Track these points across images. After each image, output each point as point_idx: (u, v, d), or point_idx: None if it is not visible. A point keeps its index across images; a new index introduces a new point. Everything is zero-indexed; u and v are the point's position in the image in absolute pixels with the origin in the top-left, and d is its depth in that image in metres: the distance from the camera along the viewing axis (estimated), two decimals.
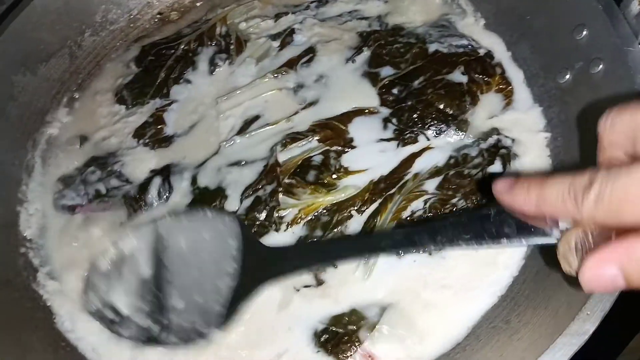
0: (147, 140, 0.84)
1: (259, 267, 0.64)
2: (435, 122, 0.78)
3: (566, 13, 0.75)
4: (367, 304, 0.68)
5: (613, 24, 0.68)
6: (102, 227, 0.77)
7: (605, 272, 0.41)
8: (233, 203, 0.75)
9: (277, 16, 0.92)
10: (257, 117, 0.82)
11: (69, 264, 0.77)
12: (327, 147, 0.78)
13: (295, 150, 0.78)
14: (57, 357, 0.68)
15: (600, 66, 0.69)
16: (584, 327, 0.52)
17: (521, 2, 0.82)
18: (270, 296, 0.69)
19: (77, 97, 0.91)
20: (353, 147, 0.78)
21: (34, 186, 0.84)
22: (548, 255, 0.64)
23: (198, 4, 1.00)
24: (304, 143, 0.78)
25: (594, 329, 0.52)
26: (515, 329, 0.60)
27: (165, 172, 0.79)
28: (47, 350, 0.69)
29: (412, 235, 0.57)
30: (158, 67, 0.89)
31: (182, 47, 0.90)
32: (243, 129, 0.81)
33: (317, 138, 0.79)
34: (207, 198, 0.76)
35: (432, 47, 0.84)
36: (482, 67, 0.81)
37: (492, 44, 0.85)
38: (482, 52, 0.84)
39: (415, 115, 0.78)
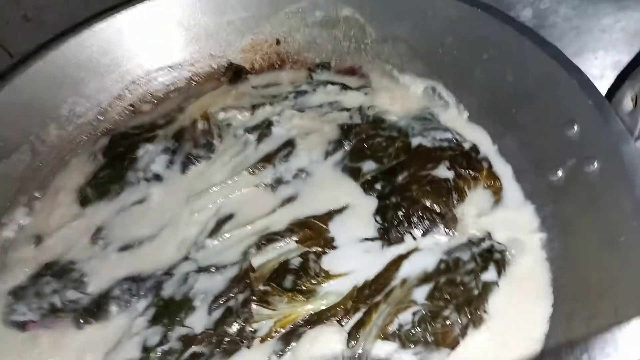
0: (110, 244, 0.77)
1: None
2: (422, 220, 0.72)
3: (554, 108, 0.72)
4: None
5: (605, 121, 0.65)
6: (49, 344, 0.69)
7: None
8: (200, 315, 0.67)
9: (254, 107, 0.89)
10: (230, 216, 0.76)
11: None
12: (307, 249, 0.72)
13: (272, 253, 0.72)
14: None
15: (595, 165, 0.65)
16: None
17: (506, 95, 0.79)
18: None
19: (38, 196, 0.85)
20: (334, 248, 0.73)
21: None
22: None
23: (171, 95, 0.96)
24: (281, 244, 0.72)
25: None
26: None
27: (128, 282, 0.72)
28: None
29: None
30: (127, 161, 0.83)
31: (157, 139, 0.85)
32: (215, 231, 0.75)
33: (295, 239, 0.73)
34: (171, 310, 0.68)
35: (415, 141, 0.81)
36: (468, 161, 0.78)
37: (478, 137, 0.82)
38: (467, 145, 0.80)
39: (400, 213, 0.73)
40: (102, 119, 0.93)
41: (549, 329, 0.63)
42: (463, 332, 0.64)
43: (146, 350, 0.66)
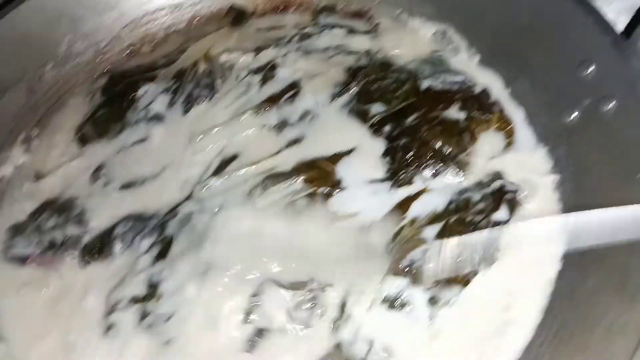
0: (111, 183, 0.75)
1: None
2: (433, 162, 0.71)
3: (569, 48, 0.70)
4: None
5: (623, 59, 0.64)
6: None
7: None
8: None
9: (258, 50, 0.85)
10: (234, 157, 0.74)
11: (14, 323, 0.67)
12: (314, 189, 0.70)
13: (277, 194, 0.70)
14: None
15: (612, 103, 0.64)
16: None
17: (518, 37, 0.77)
18: None
19: (35, 134, 0.82)
20: (342, 189, 0.71)
21: None
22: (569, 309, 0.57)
23: (171, 37, 0.92)
24: (286, 185, 0.70)
25: None
26: None
27: (131, 220, 0.70)
28: None
29: None
30: (127, 100, 0.80)
31: (157, 79, 0.82)
32: (219, 171, 0.73)
33: (302, 178, 0.71)
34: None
35: (424, 84, 0.78)
36: (480, 104, 0.76)
37: (489, 80, 0.79)
38: (478, 89, 0.78)
39: (409, 155, 0.72)
40: (100, 58, 0.89)
41: (561, 268, 0.62)
42: (474, 271, 0.63)
43: (152, 286, 0.65)
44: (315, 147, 0.74)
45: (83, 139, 0.80)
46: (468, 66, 0.82)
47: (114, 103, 0.82)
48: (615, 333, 0.50)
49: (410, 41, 0.87)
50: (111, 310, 0.64)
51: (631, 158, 0.60)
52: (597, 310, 0.54)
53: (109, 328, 0.64)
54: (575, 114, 0.68)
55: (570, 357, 0.53)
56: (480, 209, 0.67)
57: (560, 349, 0.54)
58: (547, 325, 0.58)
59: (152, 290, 0.64)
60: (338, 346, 0.61)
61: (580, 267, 0.60)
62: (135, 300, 0.64)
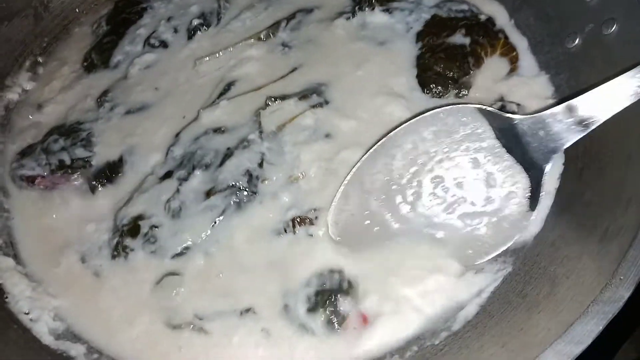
0: (116, 107, 0.76)
1: None
2: (434, 85, 0.71)
3: None
4: None
5: None
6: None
7: None
8: (212, 171, 0.67)
9: None
10: (239, 80, 0.75)
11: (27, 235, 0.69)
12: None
13: (283, 113, 0.70)
14: (5, 339, 0.59)
15: (614, 26, 0.64)
16: (617, 293, 0.46)
17: None
18: None
19: (41, 61, 0.83)
20: None
21: None
22: (567, 220, 0.58)
23: None
24: (291, 104, 0.71)
25: (629, 294, 0.45)
26: (533, 302, 0.53)
27: (138, 142, 0.72)
28: None
29: None
30: (132, 26, 0.81)
31: (162, 6, 0.82)
32: (224, 92, 0.74)
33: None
34: (183, 166, 0.68)
35: (430, 12, 0.78)
36: (485, 31, 0.76)
37: (494, 11, 0.79)
38: (483, 17, 0.78)
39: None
40: None
41: (560, 184, 0.63)
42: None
43: (159, 202, 0.66)
44: (319, 72, 0.75)
45: (90, 66, 0.81)
46: None
47: (119, 31, 0.82)
48: (610, 237, 0.52)
49: None
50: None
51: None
52: (594, 219, 0.55)
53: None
54: (577, 40, 0.69)
55: (565, 263, 0.54)
56: None
57: (556, 257, 0.56)
58: (544, 237, 0.60)
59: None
60: None
61: (578, 183, 0.61)
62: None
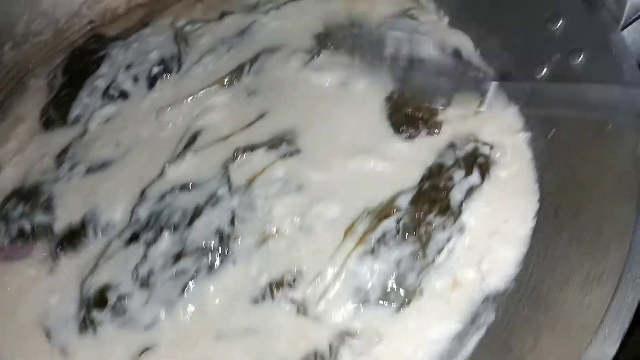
0: (76, 166, 0.73)
1: None
2: (404, 127, 0.70)
3: (537, 3, 0.69)
4: None
5: (591, 11, 0.63)
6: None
7: None
8: (181, 232, 0.65)
9: (223, 16, 0.83)
10: (204, 130, 0.72)
11: None
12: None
13: (253, 165, 0.68)
14: None
15: (581, 57, 0.63)
16: (602, 350, 0.44)
17: None
18: None
19: None
20: None
21: None
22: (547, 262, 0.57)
23: (133, 11, 0.90)
24: (261, 156, 0.69)
25: (614, 353, 0.44)
26: (518, 356, 0.52)
27: (100, 203, 0.69)
28: None
29: None
30: (90, 76, 0.78)
31: (120, 55, 0.80)
32: (189, 145, 0.71)
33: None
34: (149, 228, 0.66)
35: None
36: None
37: (459, 42, 0.79)
38: (448, 50, 0.77)
39: None
40: (59, 37, 0.86)
41: (536, 224, 0.62)
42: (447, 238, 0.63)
43: (126, 269, 0.63)
44: (287, 118, 0.73)
45: (46, 123, 0.77)
46: (437, 27, 0.81)
47: (76, 82, 0.79)
48: (591, 283, 0.51)
49: (375, 2, 0.85)
50: None
51: None
52: (573, 263, 0.55)
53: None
54: (545, 70, 0.68)
55: (547, 311, 0.53)
56: (453, 174, 0.66)
57: (538, 304, 0.55)
58: (524, 282, 0.59)
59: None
60: None
61: (554, 222, 0.61)
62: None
